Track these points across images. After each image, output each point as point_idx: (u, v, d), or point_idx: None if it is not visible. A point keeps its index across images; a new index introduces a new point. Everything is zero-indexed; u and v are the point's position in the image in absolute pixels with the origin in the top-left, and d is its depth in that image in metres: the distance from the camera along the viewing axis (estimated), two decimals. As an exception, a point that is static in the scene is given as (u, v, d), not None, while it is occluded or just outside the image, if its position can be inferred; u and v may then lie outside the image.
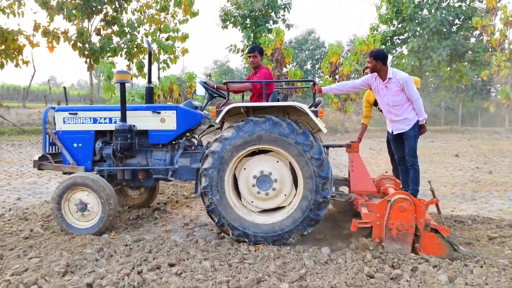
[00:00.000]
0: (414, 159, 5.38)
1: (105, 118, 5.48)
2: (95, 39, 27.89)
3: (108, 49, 27.08)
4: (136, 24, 27.93)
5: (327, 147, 5.80)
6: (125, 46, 27.69)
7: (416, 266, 4.00)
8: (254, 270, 3.88)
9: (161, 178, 5.54)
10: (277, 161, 4.82)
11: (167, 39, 28.46)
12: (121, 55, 27.90)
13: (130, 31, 27.78)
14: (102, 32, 28.32)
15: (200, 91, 5.57)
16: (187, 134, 5.67)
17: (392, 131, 5.54)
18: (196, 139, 5.88)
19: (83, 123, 5.51)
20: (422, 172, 10.10)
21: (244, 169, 4.86)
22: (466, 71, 32.35)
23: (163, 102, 23.54)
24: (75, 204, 5.10)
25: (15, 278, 3.67)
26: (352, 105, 24.46)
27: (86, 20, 27.57)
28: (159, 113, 5.38)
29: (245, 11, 30.48)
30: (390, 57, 34.13)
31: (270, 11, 31.04)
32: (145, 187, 5.92)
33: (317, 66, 63.87)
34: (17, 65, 28.47)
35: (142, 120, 5.43)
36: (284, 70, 24.75)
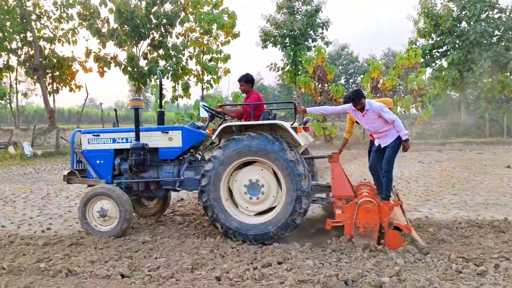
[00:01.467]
0: (389, 167, 5.77)
1: (122, 138, 6.43)
2: (142, 63, 29.47)
3: (155, 72, 28.50)
4: (181, 47, 29.33)
5: (313, 158, 6.68)
6: (171, 69, 29.03)
7: (497, 263, 4.47)
8: (353, 267, 4.45)
9: (170, 189, 6.41)
10: (261, 169, 5.66)
11: (210, 60, 29.66)
12: (167, 78, 29.28)
13: (175, 54, 29.17)
14: (149, 56, 29.87)
15: (203, 113, 6.35)
16: (191, 150, 6.48)
17: (380, 145, 5.98)
18: (200, 154, 6.74)
19: (104, 143, 6.48)
20: (478, 183, 10.43)
21: (236, 181, 5.72)
22: (509, 82, 31.97)
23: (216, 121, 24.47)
24: (97, 210, 5.97)
25: (153, 273, 4.38)
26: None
27: (134, 46, 29.16)
28: (167, 133, 6.26)
29: (285, 31, 31.39)
30: (429, 70, 34.13)
31: (309, 29, 31.86)
32: (157, 196, 6.85)
33: (350, 80, 64.20)
34: (71, 89, 30.36)
35: (153, 139, 6.32)
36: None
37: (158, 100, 6.97)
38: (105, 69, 29.18)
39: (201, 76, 29.83)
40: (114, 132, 6.51)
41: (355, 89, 6.11)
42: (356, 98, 5.71)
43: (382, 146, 5.95)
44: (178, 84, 30.03)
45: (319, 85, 24.65)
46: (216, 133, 5.69)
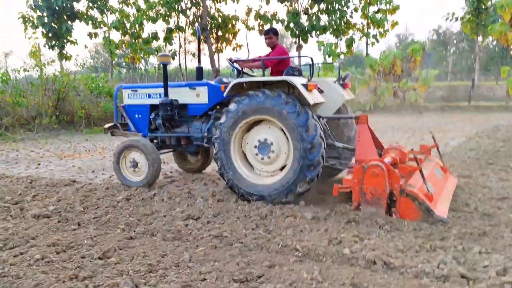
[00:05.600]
0: None
1: (156, 94, 6.57)
2: (302, 18, 28.22)
3: (318, 27, 27.10)
4: (344, 0, 27.28)
5: (339, 118, 6.14)
6: (334, 24, 27.30)
7: None
8: None
9: (200, 145, 6.38)
10: (269, 127, 5.36)
11: (377, 11, 27.16)
12: (330, 33, 27.68)
13: (339, 7, 27.28)
14: (310, 11, 28.51)
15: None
16: (218, 106, 6.24)
17: None
18: None
19: (141, 98, 6.72)
20: None
21: (247, 143, 5.51)
22: None
23: (384, 78, 22.57)
24: (129, 161, 6.27)
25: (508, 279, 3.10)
26: None
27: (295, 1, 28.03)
28: (194, 89, 6.26)
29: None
30: None
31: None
32: (189, 152, 7.09)
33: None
34: (234, 48, 30.78)
35: (183, 95, 6.36)
36: None
37: (197, 55, 7.06)
38: (265, 27, 28.80)
39: (366, 30, 27.61)
40: (149, 88, 6.70)
41: None
42: None
43: None
44: (340, 40, 28.25)
45: (517, 35, 20.67)
46: (227, 90, 5.51)
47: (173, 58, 30.41)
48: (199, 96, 6.24)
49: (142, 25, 27.65)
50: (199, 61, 6.83)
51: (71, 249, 3.86)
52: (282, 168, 5.38)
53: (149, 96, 6.63)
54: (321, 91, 5.81)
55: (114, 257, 3.62)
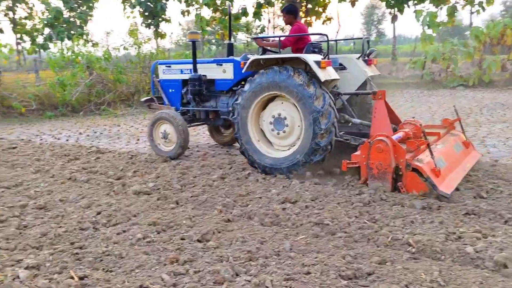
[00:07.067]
0: None
1: (187, 70, 6.87)
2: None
3: (418, -5, 25.14)
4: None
5: (357, 94, 6.03)
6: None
7: None
8: None
9: (226, 119, 6.59)
10: (282, 103, 5.54)
11: (486, -24, 24.46)
12: (429, 2, 25.56)
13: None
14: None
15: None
16: (243, 82, 6.14)
17: None
18: None
19: (174, 73, 7.10)
20: None
21: (264, 121, 5.72)
22: None
23: (492, 49, 20.49)
24: (161, 132, 6.74)
25: None
26: None
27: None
28: (221, 65, 6.57)
29: None
30: None
31: None
32: (220, 125, 7.65)
33: None
34: (324, 22, 29.78)
35: (211, 71, 6.68)
36: None
37: (228, 32, 7.40)
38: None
39: (471, -3, 25.06)
40: (182, 64, 7.10)
41: None
42: None
43: None
44: (441, 9, 26.00)
45: None
46: (246, 67, 5.72)
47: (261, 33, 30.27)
48: (225, 72, 6.55)
49: (232, 1, 27.72)
50: (229, 38, 7.20)
51: (171, 229, 3.83)
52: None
53: (181, 71, 7.01)
54: (343, 68, 5.99)
55: (213, 241, 3.52)
